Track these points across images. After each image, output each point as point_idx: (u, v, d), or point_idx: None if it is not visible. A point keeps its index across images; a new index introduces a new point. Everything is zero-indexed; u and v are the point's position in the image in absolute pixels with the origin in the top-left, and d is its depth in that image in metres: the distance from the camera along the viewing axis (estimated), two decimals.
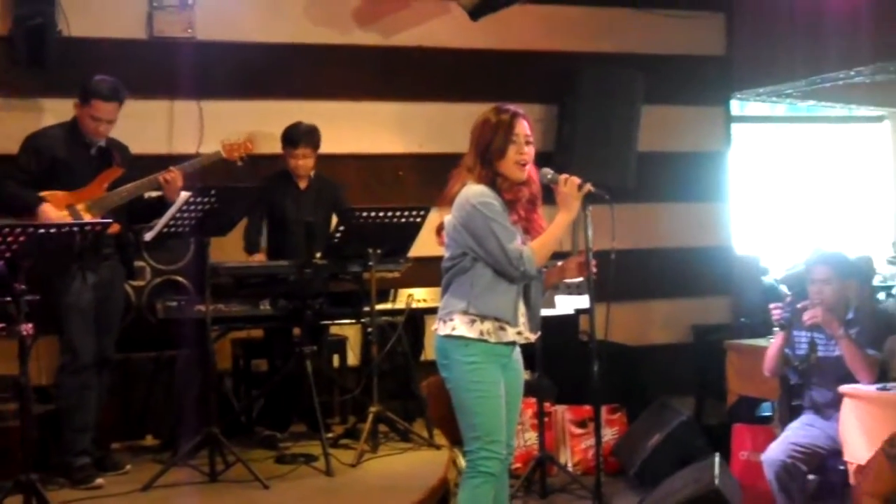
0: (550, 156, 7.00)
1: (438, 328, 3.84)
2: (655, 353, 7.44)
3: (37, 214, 5.15)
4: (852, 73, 7.01)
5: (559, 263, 4.08)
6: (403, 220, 5.90)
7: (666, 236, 7.86)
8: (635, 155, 7.40)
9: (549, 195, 3.96)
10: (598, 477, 4.19)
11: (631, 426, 5.84)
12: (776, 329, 4.95)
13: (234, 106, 6.78)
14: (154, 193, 5.59)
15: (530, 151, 3.87)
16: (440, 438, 5.83)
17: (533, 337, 3.94)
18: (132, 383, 6.17)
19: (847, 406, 4.47)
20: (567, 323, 6.38)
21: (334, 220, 6.34)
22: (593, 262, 3.95)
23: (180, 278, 6.28)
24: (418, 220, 5.91)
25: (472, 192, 3.80)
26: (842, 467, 4.55)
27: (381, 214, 5.85)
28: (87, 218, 5.26)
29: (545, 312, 4.12)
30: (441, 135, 7.03)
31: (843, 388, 4.53)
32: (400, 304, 6.32)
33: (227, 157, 5.81)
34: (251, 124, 6.45)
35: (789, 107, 9.01)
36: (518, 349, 3.94)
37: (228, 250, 6.21)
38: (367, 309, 5.98)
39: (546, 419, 5.46)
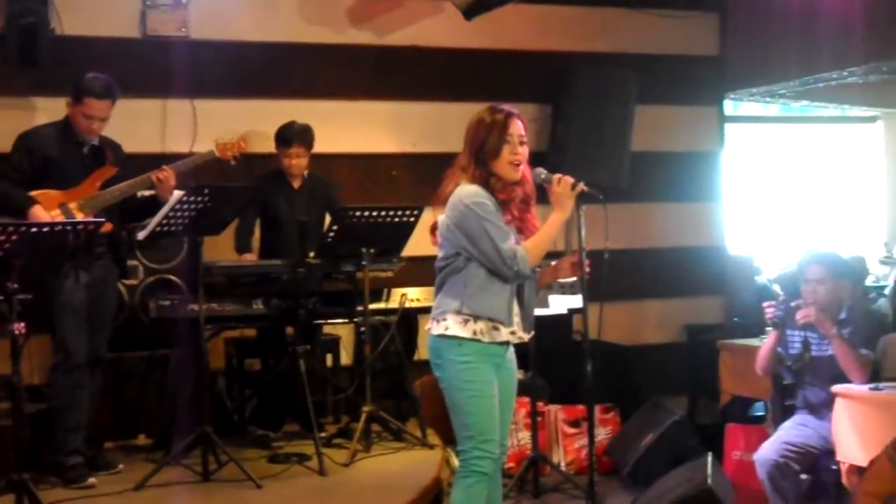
0: (544, 155, 7.00)
1: (432, 328, 3.84)
2: (649, 353, 7.45)
3: (28, 217, 5.14)
4: (845, 73, 7.02)
5: (553, 263, 4.08)
6: (397, 219, 5.90)
7: (659, 236, 7.87)
8: (629, 155, 7.40)
9: (542, 195, 3.96)
10: (592, 476, 4.19)
11: (624, 426, 5.85)
12: (769, 329, 4.96)
13: (227, 105, 6.77)
14: (147, 192, 5.58)
15: (524, 151, 3.87)
16: (433, 438, 5.84)
17: (526, 336, 3.94)
18: (125, 382, 6.17)
19: (839, 406, 4.47)
20: (560, 322, 6.39)
21: (328, 219, 6.34)
22: (586, 261, 3.95)
23: (173, 277, 6.28)
24: (412, 219, 5.91)
25: (466, 192, 3.80)
26: (834, 467, 4.56)
27: (374, 214, 5.85)
28: (80, 217, 5.25)
29: (538, 312, 4.13)
30: (435, 134, 7.03)
31: (836, 388, 4.54)
32: (393, 304, 6.32)
33: (221, 156, 5.81)
34: (245, 123, 6.44)
35: (782, 107, 9.02)
36: (512, 349, 3.94)
37: (221, 249, 6.20)
38: (360, 308, 5.98)
39: (539, 419, 5.46)
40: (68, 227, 4.65)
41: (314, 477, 5.50)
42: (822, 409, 4.74)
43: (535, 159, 4.06)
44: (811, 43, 6.99)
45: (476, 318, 3.76)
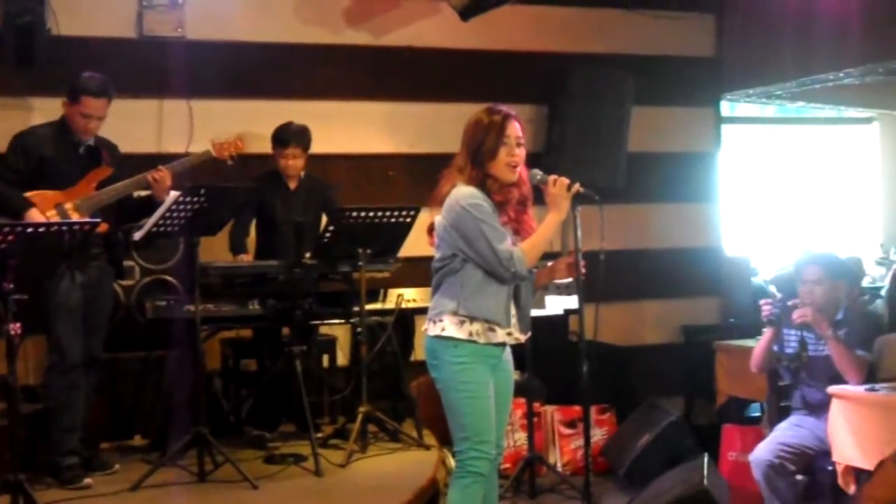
0: (540, 156, 7.01)
1: (428, 328, 3.84)
2: (645, 354, 7.45)
3: (24, 219, 5.12)
4: (841, 74, 7.03)
5: (549, 264, 4.08)
6: (393, 220, 5.90)
7: (655, 237, 7.87)
8: (625, 155, 7.41)
9: (539, 196, 3.96)
10: (588, 477, 4.19)
11: (620, 426, 5.85)
12: (765, 330, 4.97)
13: (223, 105, 6.77)
14: (143, 193, 5.58)
15: (521, 153, 3.87)
16: (430, 438, 5.84)
17: (523, 337, 3.94)
18: (121, 383, 6.16)
19: (835, 407, 4.48)
20: (556, 323, 6.38)
21: (324, 220, 6.33)
22: (582, 262, 3.95)
23: (169, 278, 6.27)
24: (408, 220, 5.91)
25: (462, 193, 3.80)
26: (830, 468, 4.56)
27: (370, 214, 5.85)
28: (76, 217, 5.24)
29: (535, 313, 4.13)
30: (431, 135, 7.03)
31: (832, 389, 4.54)
32: (390, 304, 6.32)
33: (217, 155, 5.81)
34: (241, 124, 6.43)
35: (779, 108, 9.03)
36: (508, 349, 3.94)
37: (217, 250, 6.20)
38: (356, 309, 5.98)
39: (535, 419, 5.46)
40: (64, 228, 4.65)
41: (310, 477, 5.50)
42: (820, 409, 4.74)
43: (532, 160, 4.06)
44: (807, 44, 7.00)
45: (472, 319, 3.76)
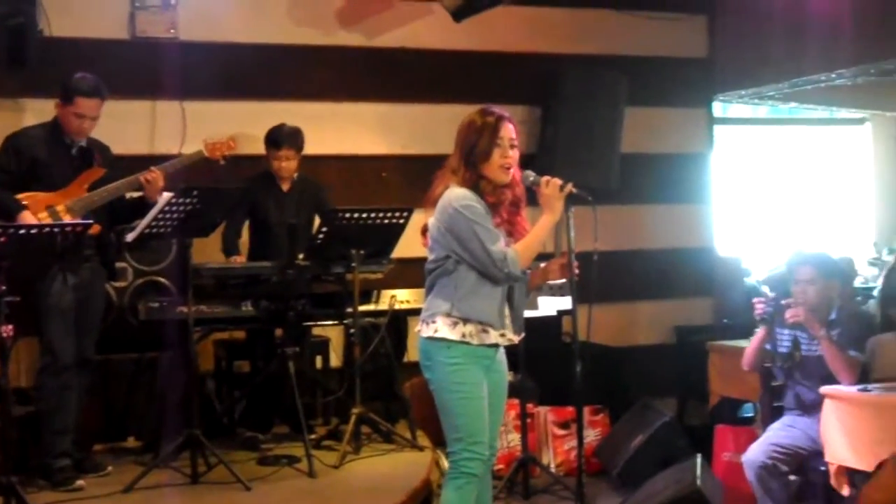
0: (534, 157, 7.01)
1: (421, 330, 3.85)
2: (638, 355, 7.46)
3: (15, 221, 5.10)
4: (833, 75, 7.04)
5: (542, 265, 4.09)
6: (386, 221, 5.89)
7: (649, 238, 7.87)
8: (618, 156, 7.41)
9: (532, 197, 3.96)
10: (581, 478, 4.20)
11: (613, 427, 5.87)
12: (758, 329, 4.97)
13: (216, 107, 6.75)
14: (135, 194, 5.56)
15: (515, 155, 3.88)
16: (423, 440, 5.84)
17: (517, 339, 3.95)
18: (113, 385, 6.15)
19: (828, 407, 4.49)
20: (550, 324, 6.39)
21: (317, 221, 6.33)
22: (576, 263, 3.95)
23: (162, 279, 6.26)
24: (401, 221, 5.90)
25: (454, 195, 3.80)
26: (823, 468, 4.57)
27: (363, 216, 5.84)
28: (67, 219, 5.22)
29: (528, 314, 4.13)
30: (424, 136, 7.03)
31: (824, 390, 4.55)
32: (383, 306, 6.31)
33: (210, 155, 5.79)
34: (234, 125, 6.42)
35: (771, 109, 9.05)
36: (502, 350, 3.95)
37: (210, 251, 6.18)
38: (349, 310, 5.97)
39: (529, 420, 5.47)
40: (56, 229, 4.64)
41: (303, 479, 5.49)
42: (813, 409, 4.75)
43: (525, 161, 4.06)
44: (800, 45, 7.02)
45: (466, 321, 3.76)
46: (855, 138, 9.37)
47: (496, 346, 3.88)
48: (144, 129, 6.66)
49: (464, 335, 3.75)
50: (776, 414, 5.06)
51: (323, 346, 6.78)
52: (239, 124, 6.49)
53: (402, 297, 6.33)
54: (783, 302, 4.84)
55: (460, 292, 3.78)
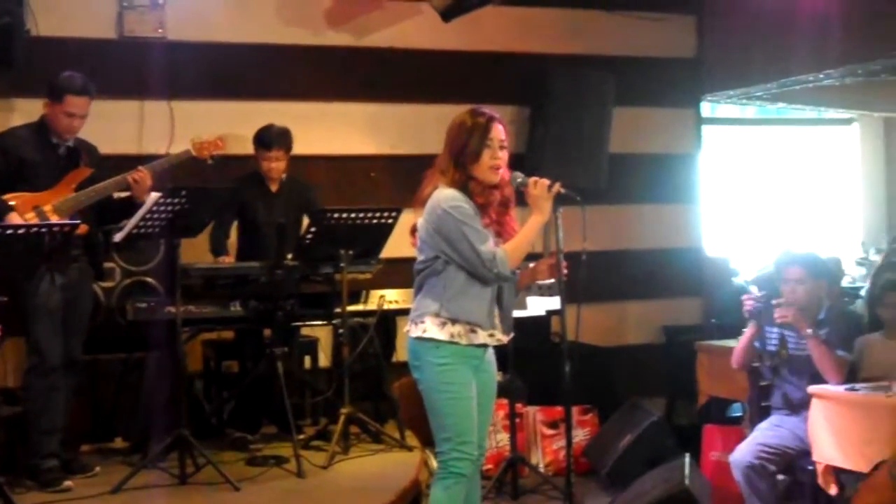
0: (522, 157, 7.01)
1: (410, 330, 3.85)
2: (627, 354, 7.47)
3: (2, 222, 5.09)
4: (821, 75, 7.06)
5: (531, 265, 4.09)
6: (375, 221, 5.89)
7: (637, 238, 7.89)
8: (607, 157, 7.42)
9: (521, 198, 3.97)
10: (569, 477, 4.20)
11: (602, 427, 5.87)
12: (745, 330, 4.98)
13: (204, 106, 6.74)
14: (123, 194, 5.54)
15: (504, 156, 3.89)
16: (412, 440, 5.83)
17: (505, 339, 3.95)
18: (101, 385, 6.13)
19: (816, 406, 4.50)
20: (539, 324, 6.40)
21: (306, 221, 6.32)
22: (564, 263, 3.96)
23: (150, 279, 6.24)
24: (390, 221, 5.90)
25: (443, 196, 3.80)
26: (811, 467, 4.58)
27: (352, 216, 5.84)
28: (55, 219, 5.20)
29: (517, 314, 4.14)
30: (413, 136, 7.02)
31: (812, 389, 4.57)
32: (372, 306, 6.31)
33: (197, 155, 5.77)
34: (222, 125, 6.40)
35: (759, 109, 9.07)
36: (491, 350, 3.95)
37: (198, 252, 6.17)
38: (338, 310, 5.97)
39: (518, 420, 5.47)
40: (43, 230, 4.62)
41: (292, 479, 5.48)
42: (801, 407, 4.76)
43: (514, 161, 4.07)
44: (788, 45, 7.03)
45: (454, 321, 3.76)
46: (843, 138, 9.39)
47: (485, 346, 3.88)
48: (132, 128, 6.64)
49: (452, 335, 3.75)
50: (764, 413, 5.07)
51: (312, 346, 6.77)
52: (227, 124, 6.47)
53: (391, 298, 6.33)
54: (773, 302, 4.85)
55: (449, 293, 3.78)
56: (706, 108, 8.47)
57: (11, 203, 5.20)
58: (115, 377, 6.15)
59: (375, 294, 6.34)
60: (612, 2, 7.71)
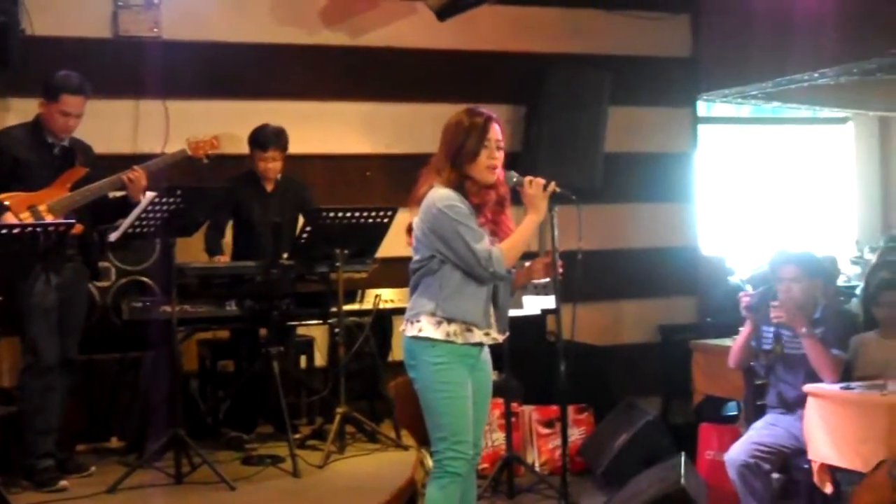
0: (518, 156, 7.02)
1: (406, 329, 3.84)
2: (622, 353, 7.47)
3: None
4: (817, 74, 7.07)
5: (526, 264, 4.09)
6: (371, 220, 5.89)
7: (632, 237, 7.89)
8: (602, 156, 7.43)
9: (517, 197, 3.96)
10: (565, 477, 4.20)
11: (598, 426, 5.86)
12: (741, 329, 4.98)
13: (199, 106, 6.73)
14: (118, 193, 5.54)
15: (501, 156, 3.88)
16: (407, 439, 5.83)
17: (501, 338, 3.95)
18: (97, 385, 6.13)
19: (811, 405, 4.50)
20: (534, 323, 6.39)
21: (301, 220, 6.31)
22: (560, 262, 3.96)
23: (146, 279, 6.24)
24: (385, 220, 5.91)
25: (438, 195, 3.80)
26: (806, 466, 4.59)
27: (348, 215, 5.84)
28: (50, 219, 5.20)
29: (512, 313, 4.13)
30: (409, 135, 7.03)
31: (807, 388, 4.57)
32: (367, 305, 6.32)
33: (193, 154, 5.77)
34: (217, 124, 6.39)
35: (755, 108, 9.08)
36: (487, 349, 3.95)
37: (194, 251, 6.17)
38: (334, 309, 5.97)
39: (513, 419, 5.47)
40: (38, 229, 4.62)
41: (288, 479, 5.49)
42: (796, 406, 4.76)
43: (509, 160, 4.06)
44: (783, 45, 7.04)
45: (450, 320, 3.76)
46: (838, 137, 9.41)
47: (481, 345, 3.87)
48: (127, 128, 6.64)
49: (448, 334, 3.75)
50: (760, 412, 5.07)
51: (307, 345, 6.78)
52: (222, 123, 6.47)
53: (387, 297, 6.33)
54: (771, 303, 4.84)
55: (445, 292, 3.77)
56: (702, 107, 8.48)
57: (6, 203, 5.19)
58: (110, 377, 6.15)
59: (371, 293, 6.34)
60: (608, 1, 7.71)
